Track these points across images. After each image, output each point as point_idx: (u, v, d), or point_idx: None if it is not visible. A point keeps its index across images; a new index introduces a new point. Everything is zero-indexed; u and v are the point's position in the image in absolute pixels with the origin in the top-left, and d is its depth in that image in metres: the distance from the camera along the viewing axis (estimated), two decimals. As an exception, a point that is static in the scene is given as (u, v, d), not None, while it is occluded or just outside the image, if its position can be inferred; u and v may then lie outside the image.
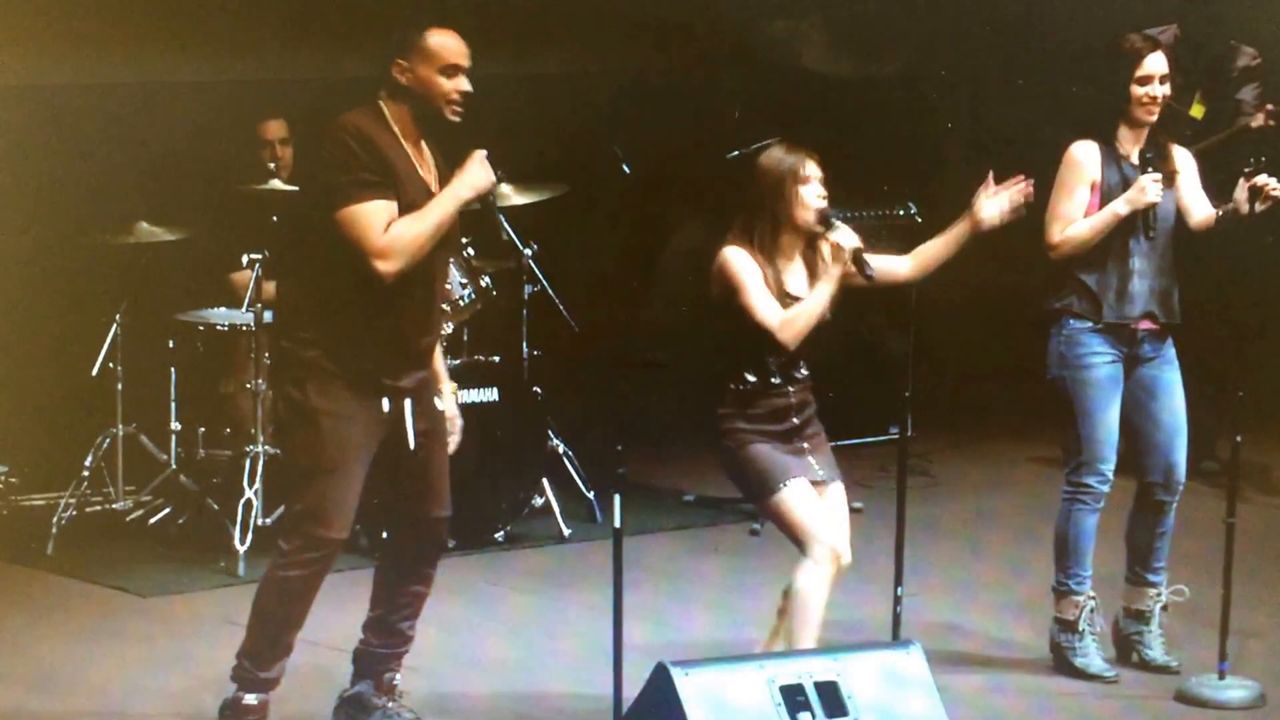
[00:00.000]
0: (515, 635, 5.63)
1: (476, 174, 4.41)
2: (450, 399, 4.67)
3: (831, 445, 4.80)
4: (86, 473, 6.57)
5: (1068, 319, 5.14)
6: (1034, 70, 8.26)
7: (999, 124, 8.39)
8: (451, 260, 6.63)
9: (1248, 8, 7.27)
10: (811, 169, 4.68)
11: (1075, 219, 5.10)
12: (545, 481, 6.62)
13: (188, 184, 6.99)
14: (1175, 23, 6.97)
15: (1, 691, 5.03)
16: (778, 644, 4.85)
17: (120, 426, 6.63)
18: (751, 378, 4.66)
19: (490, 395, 6.49)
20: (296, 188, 6.07)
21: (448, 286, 6.55)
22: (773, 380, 4.67)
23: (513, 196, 6.88)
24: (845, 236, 4.65)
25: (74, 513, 6.47)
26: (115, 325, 6.64)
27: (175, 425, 6.58)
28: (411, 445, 4.46)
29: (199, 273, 6.79)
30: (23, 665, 5.26)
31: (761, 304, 4.62)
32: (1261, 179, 4.95)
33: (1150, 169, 5.05)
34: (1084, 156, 5.11)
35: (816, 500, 4.66)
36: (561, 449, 6.78)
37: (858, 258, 4.62)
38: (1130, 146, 5.12)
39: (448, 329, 6.64)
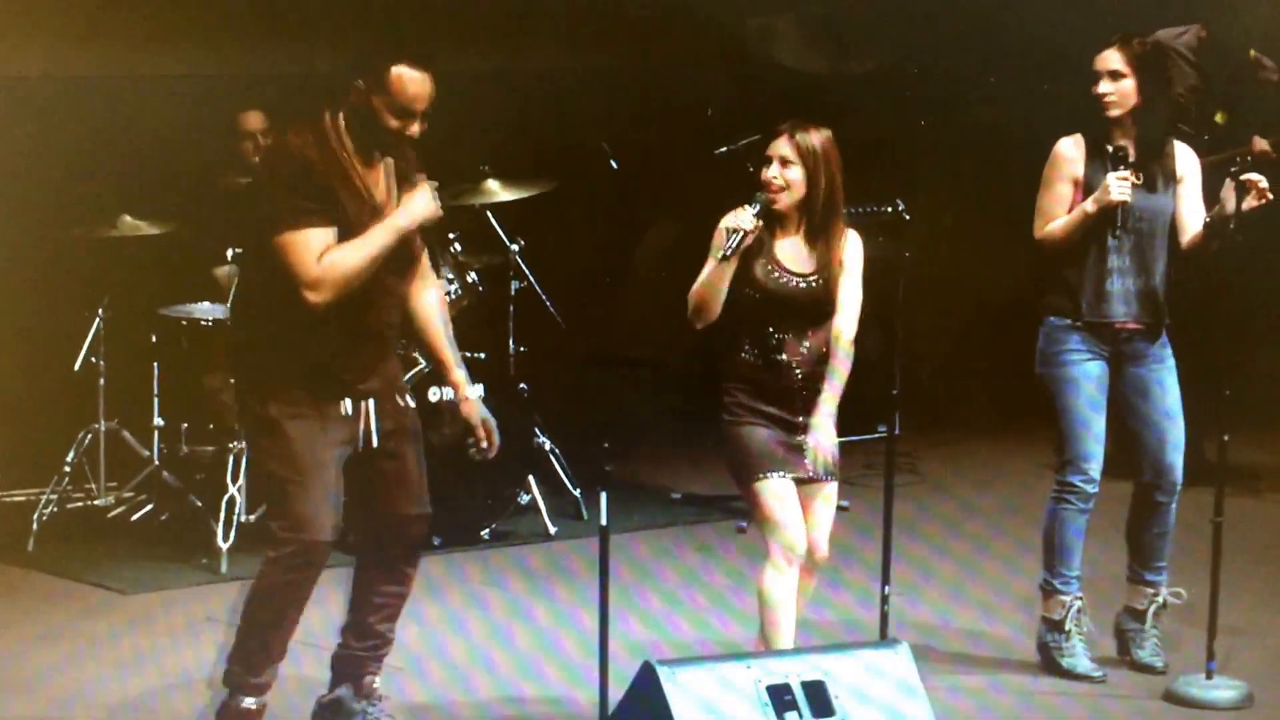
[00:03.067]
0: (501, 634, 5.63)
1: (419, 205, 4.36)
2: (477, 404, 4.60)
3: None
4: (68, 468, 6.56)
5: (1049, 316, 5.16)
6: (1009, 67, 8.29)
7: (974, 121, 8.42)
8: (439, 256, 6.65)
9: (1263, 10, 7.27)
10: (776, 148, 4.61)
11: (1055, 215, 5.11)
12: (531, 479, 6.62)
13: (170, 177, 6.98)
14: (1198, 23, 6.93)
15: (-18, 689, 5.03)
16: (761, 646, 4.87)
17: (102, 422, 6.62)
18: (750, 348, 4.62)
19: (476, 392, 6.47)
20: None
21: (440, 285, 6.57)
22: (771, 353, 4.63)
23: (500, 192, 6.88)
24: (732, 215, 4.55)
25: (55, 509, 6.46)
26: (97, 320, 6.63)
27: (158, 421, 6.58)
28: (374, 444, 4.43)
29: (182, 267, 6.78)
30: (2, 664, 5.25)
31: (703, 269, 4.57)
32: (1249, 175, 4.96)
33: (1122, 166, 5.04)
34: (1067, 153, 5.11)
35: (790, 501, 4.62)
36: (548, 446, 6.79)
37: (730, 238, 4.50)
38: (1129, 143, 5.10)
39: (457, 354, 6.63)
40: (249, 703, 4.49)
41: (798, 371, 4.64)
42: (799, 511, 4.63)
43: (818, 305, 4.63)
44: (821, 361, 4.64)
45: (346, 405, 4.42)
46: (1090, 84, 5.10)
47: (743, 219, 4.54)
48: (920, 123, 8.46)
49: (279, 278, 4.31)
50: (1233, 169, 5.03)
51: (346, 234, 4.31)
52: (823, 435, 4.61)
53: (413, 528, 4.59)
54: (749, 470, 4.62)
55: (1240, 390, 5.16)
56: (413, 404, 4.59)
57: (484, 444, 4.62)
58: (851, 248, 4.70)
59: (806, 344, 4.64)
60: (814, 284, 4.63)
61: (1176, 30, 6.92)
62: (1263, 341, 8.08)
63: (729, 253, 4.52)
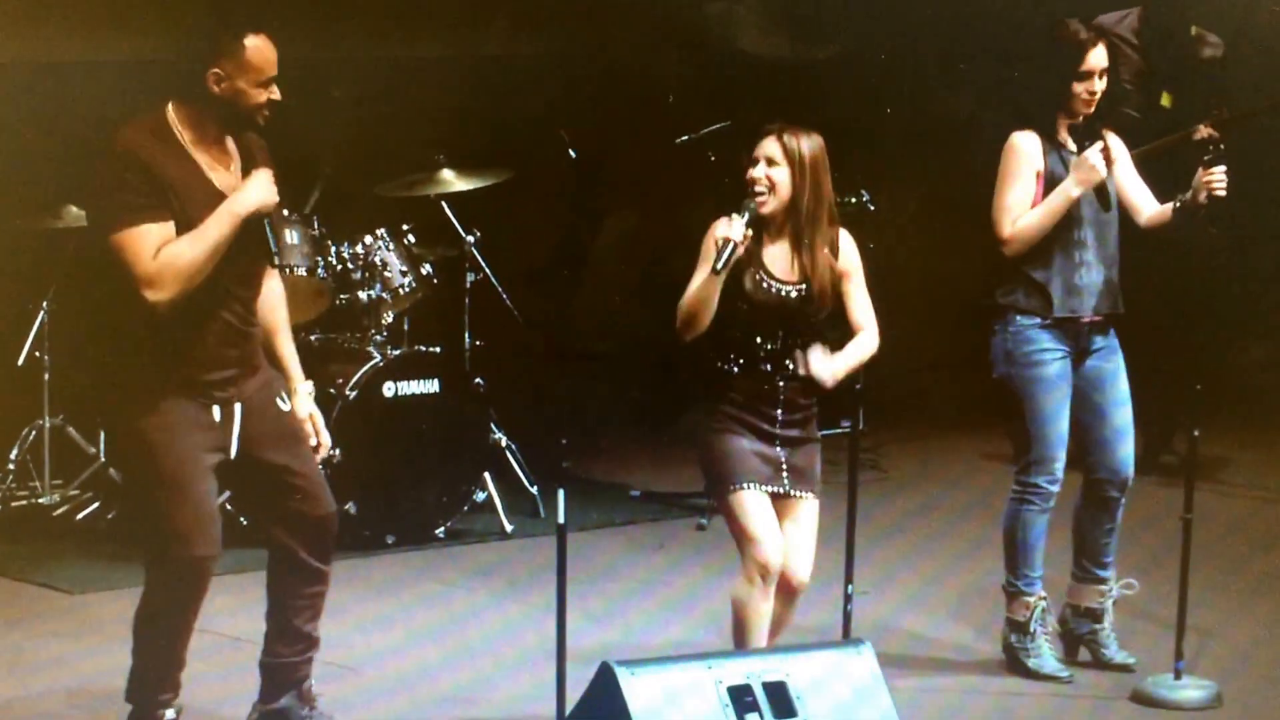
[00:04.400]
0: (456, 634, 5.62)
1: (253, 191, 4.31)
2: (304, 399, 4.54)
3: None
4: (12, 466, 6.53)
5: (1014, 315, 5.13)
6: (974, 55, 8.30)
7: (939, 109, 8.43)
8: (392, 247, 6.62)
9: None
10: (763, 148, 4.60)
11: (1024, 210, 5.09)
12: (487, 476, 6.60)
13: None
14: (1138, 6, 6.96)
15: (-79, 693, 4.99)
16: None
17: (47, 418, 6.58)
18: (736, 358, 4.60)
19: (431, 387, 6.47)
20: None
21: (387, 275, 6.54)
22: (758, 364, 4.61)
23: (455, 182, 6.86)
24: (724, 224, 4.52)
25: (-2, 508, 6.44)
26: (42, 313, 6.58)
27: (104, 417, 6.54)
28: (232, 454, 4.37)
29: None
30: (-56, 666, 5.22)
31: (693, 279, 4.56)
32: (1215, 172, 4.97)
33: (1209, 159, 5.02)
34: (1027, 146, 5.10)
35: (766, 515, 4.60)
36: (504, 442, 6.77)
37: (721, 248, 4.48)
38: (1059, 137, 5.12)
39: (388, 318, 6.63)
40: (167, 715, 4.45)
41: (781, 384, 4.62)
42: (774, 525, 4.61)
43: (805, 313, 4.62)
44: (800, 380, 4.61)
45: (215, 412, 4.36)
46: (1064, 76, 5.05)
47: (735, 230, 4.50)
48: (885, 111, 8.48)
49: (124, 281, 4.25)
50: (1205, 157, 5.04)
51: (189, 227, 4.26)
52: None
53: (322, 527, 4.53)
54: (723, 479, 4.60)
55: (1210, 385, 5.18)
56: (287, 406, 4.49)
57: (313, 440, 4.52)
58: (848, 250, 4.66)
59: (790, 357, 4.63)
60: (801, 292, 4.61)
61: (1118, 15, 6.95)
62: (1233, 337, 8.14)
63: (721, 266, 4.49)
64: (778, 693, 4.32)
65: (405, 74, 7.72)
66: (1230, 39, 7.09)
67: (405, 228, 6.69)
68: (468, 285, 6.87)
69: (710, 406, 4.63)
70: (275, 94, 4.35)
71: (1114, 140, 5.19)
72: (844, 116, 8.31)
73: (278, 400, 4.48)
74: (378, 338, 6.57)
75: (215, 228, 4.26)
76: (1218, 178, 4.98)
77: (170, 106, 4.35)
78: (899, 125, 8.46)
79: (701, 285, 4.53)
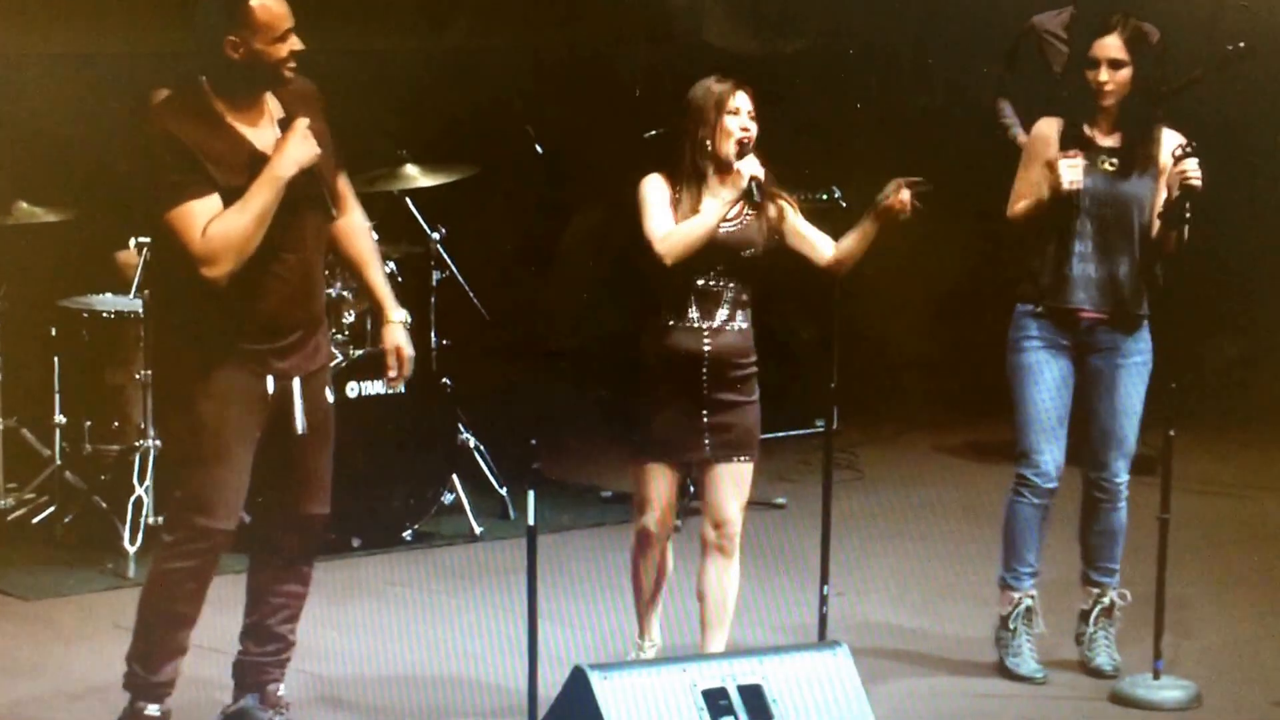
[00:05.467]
0: (425, 639, 5.62)
1: (294, 151, 4.35)
2: (395, 328, 4.59)
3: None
4: (-36, 469, 6.49)
5: (1017, 303, 5.22)
6: (946, 48, 8.35)
7: (911, 104, 8.47)
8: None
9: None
10: (740, 100, 4.79)
11: (1025, 197, 5.15)
12: (455, 477, 6.60)
13: (68, 162, 6.90)
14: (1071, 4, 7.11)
15: (-126, 703, 4.96)
16: (707, 646, 4.90)
17: (0, 420, 6.54)
18: (668, 321, 4.74)
19: (396, 387, 6.46)
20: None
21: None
22: (688, 321, 4.74)
23: (419, 178, 6.86)
24: (748, 164, 4.75)
25: (-49, 512, 6.40)
26: (-7, 312, 6.55)
27: (59, 418, 6.50)
28: (300, 429, 4.41)
29: (82, 256, 6.71)
30: (-103, 675, 5.19)
31: (652, 220, 4.71)
32: (1186, 165, 5.00)
33: (1112, 159, 5.07)
34: (1043, 133, 5.17)
35: (661, 485, 4.79)
36: (472, 443, 6.77)
37: (750, 185, 4.71)
38: (1097, 129, 5.15)
39: (350, 317, 6.62)
40: (152, 710, 4.45)
41: (706, 342, 4.73)
42: (666, 494, 4.81)
43: (740, 250, 4.75)
44: (730, 337, 4.75)
45: (270, 383, 4.39)
46: (1085, 68, 5.09)
47: (758, 168, 4.75)
48: (855, 105, 8.51)
49: (182, 254, 4.30)
50: (1175, 154, 5.08)
51: (237, 194, 4.31)
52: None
53: (315, 526, 4.57)
54: (633, 451, 4.82)
55: (1187, 384, 5.22)
56: (332, 399, 4.57)
57: (392, 371, 4.61)
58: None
59: (724, 305, 4.73)
60: (742, 225, 4.78)
61: (1052, 13, 7.16)
62: (1207, 335, 8.21)
63: (759, 197, 4.72)
64: (753, 695, 4.35)
65: (366, 67, 7.71)
66: (1162, 26, 7.20)
67: (368, 225, 6.68)
68: (433, 283, 6.86)
69: (637, 368, 4.78)
70: (296, 44, 4.38)
71: (1172, 141, 5.10)
72: (813, 111, 8.36)
73: (325, 390, 4.51)
74: (340, 337, 6.55)
75: (259, 195, 4.31)
76: (1191, 168, 5.02)
77: (204, 79, 4.39)
78: (869, 120, 8.50)
79: (710, 216, 4.71)
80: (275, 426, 4.44)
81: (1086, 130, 5.14)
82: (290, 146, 4.35)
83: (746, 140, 4.75)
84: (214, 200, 4.29)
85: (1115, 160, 5.13)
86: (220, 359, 4.36)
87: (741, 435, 4.79)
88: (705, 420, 4.75)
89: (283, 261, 4.39)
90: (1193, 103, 6.65)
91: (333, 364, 6.32)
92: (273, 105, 4.44)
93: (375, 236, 6.65)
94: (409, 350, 4.61)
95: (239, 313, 4.36)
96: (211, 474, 4.36)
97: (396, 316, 4.60)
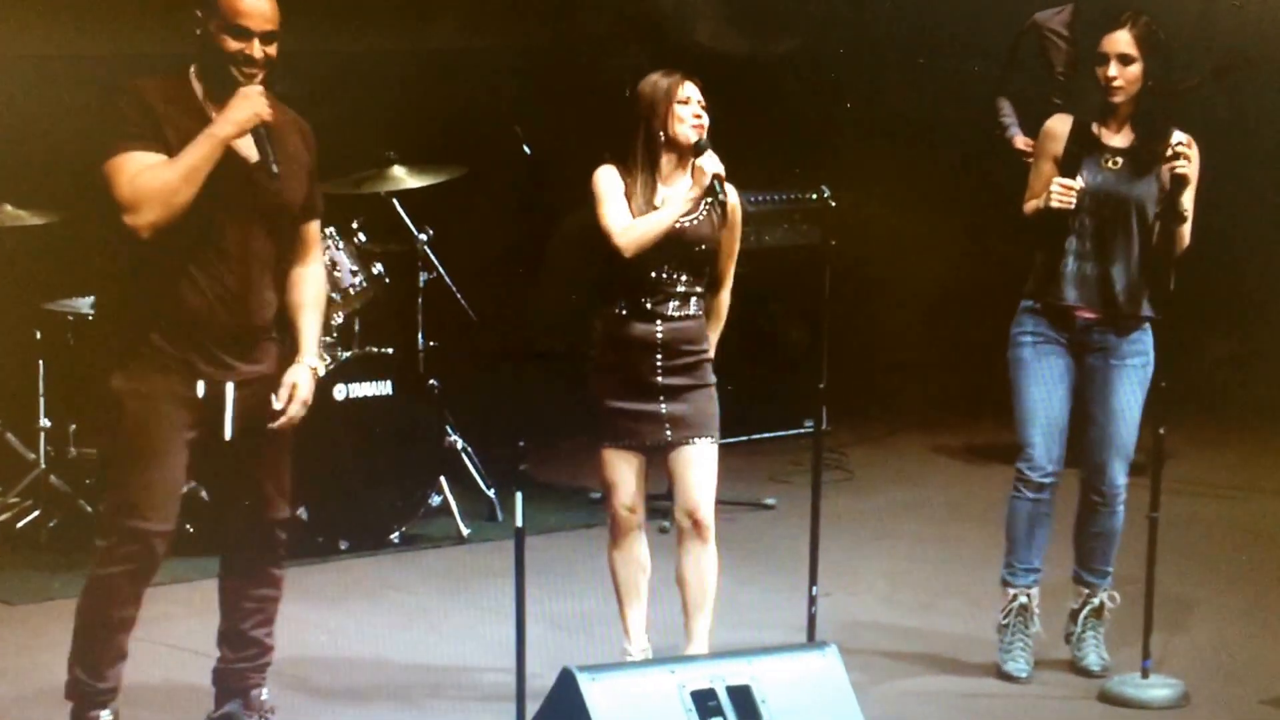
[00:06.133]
0: (412, 641, 5.64)
1: (240, 109, 4.30)
2: (298, 368, 4.46)
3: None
4: (-51, 474, 6.50)
5: (1022, 298, 5.24)
6: (937, 47, 8.37)
7: (901, 103, 8.50)
8: (342, 245, 6.64)
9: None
10: (689, 90, 4.88)
11: (1037, 193, 5.17)
12: (443, 479, 6.62)
13: (54, 164, 6.90)
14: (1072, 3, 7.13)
15: None
16: (690, 646, 4.93)
17: (-15, 424, 6.56)
18: (622, 309, 4.83)
19: (384, 389, 6.49)
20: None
21: (337, 274, 6.55)
22: (642, 309, 4.81)
23: (407, 179, 6.88)
24: (710, 160, 4.81)
25: (-64, 517, 6.41)
26: (-23, 316, 6.56)
27: (44, 422, 6.51)
28: (227, 435, 4.38)
29: (67, 258, 6.72)
30: (-118, 680, 5.20)
31: (609, 213, 4.81)
32: (1174, 163, 5.03)
33: (1117, 159, 5.08)
34: (1053, 129, 5.19)
35: (624, 469, 4.88)
36: (460, 445, 6.79)
37: (713, 183, 4.77)
38: (1107, 127, 5.15)
39: (338, 319, 6.64)
40: (104, 715, 4.46)
41: (659, 328, 4.81)
42: (631, 479, 4.89)
43: (691, 245, 4.83)
44: (684, 321, 4.83)
45: (200, 387, 4.37)
46: (1095, 64, 5.10)
47: (719, 165, 4.80)
48: (845, 105, 8.54)
49: (115, 237, 4.27)
50: (1167, 153, 5.11)
51: None
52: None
53: (272, 531, 4.56)
54: (596, 437, 4.92)
55: (1174, 383, 5.24)
56: (279, 408, 4.47)
57: (278, 404, 4.44)
58: (730, 191, 4.89)
59: (675, 298, 4.81)
60: (694, 221, 4.84)
61: (1052, 10, 7.17)
62: (1196, 335, 8.23)
63: (723, 196, 4.78)
64: (742, 696, 4.36)
65: (354, 68, 7.73)
66: (1167, 28, 7.21)
67: (355, 226, 6.70)
68: (420, 284, 6.88)
69: (595, 357, 4.89)
70: (256, 51, 4.33)
71: (1182, 140, 5.08)
72: (803, 111, 8.38)
73: (273, 398, 4.46)
74: (327, 339, 6.58)
75: (193, 151, 4.27)
76: (1179, 161, 5.02)
77: (193, 66, 4.38)
78: (859, 120, 8.53)
79: (671, 212, 4.78)
80: (213, 431, 4.40)
81: (1095, 128, 5.15)
82: (233, 106, 4.30)
83: (700, 127, 4.82)
84: (158, 157, 4.25)
85: (1120, 159, 5.13)
86: (145, 359, 4.33)
87: (699, 417, 4.87)
88: (663, 407, 4.84)
89: (220, 263, 4.34)
90: (1186, 101, 6.71)
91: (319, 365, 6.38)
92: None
93: (363, 237, 6.75)
94: (305, 394, 4.46)
95: (164, 310, 4.32)
96: (140, 475, 4.33)
97: (309, 361, 4.51)
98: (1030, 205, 5.19)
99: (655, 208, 4.83)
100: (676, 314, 4.83)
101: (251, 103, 4.31)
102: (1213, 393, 8.19)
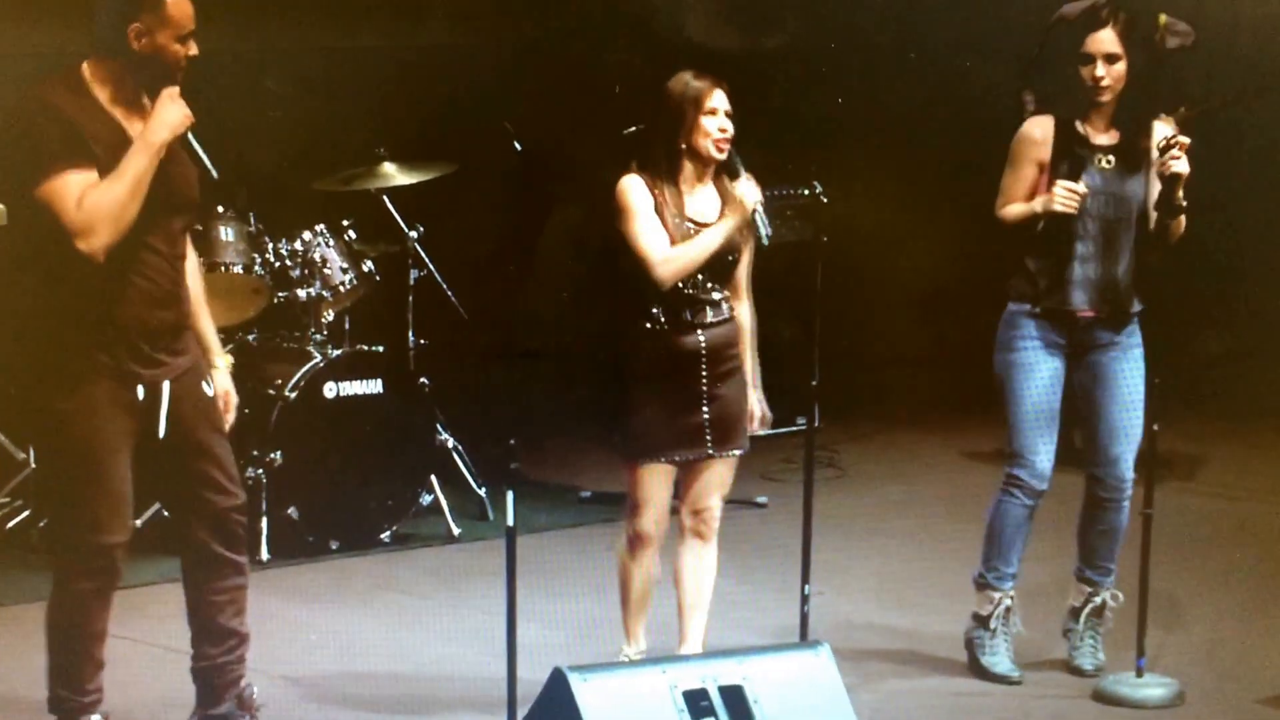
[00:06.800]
0: (403, 641, 5.65)
1: (168, 113, 4.31)
2: (221, 374, 4.57)
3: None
4: (-63, 474, 6.50)
5: (1010, 301, 5.22)
6: (929, 43, 8.38)
7: (893, 99, 8.51)
8: (332, 243, 6.64)
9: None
10: (718, 99, 4.79)
11: (1015, 197, 5.14)
12: (434, 478, 6.63)
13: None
14: None
15: None
16: (685, 645, 4.94)
17: (-27, 424, 6.57)
18: (661, 323, 4.77)
19: (374, 387, 6.50)
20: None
21: (327, 272, 6.56)
22: (682, 320, 4.76)
23: (397, 176, 6.88)
24: (751, 189, 4.76)
25: (-76, 517, 6.42)
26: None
27: (34, 422, 6.52)
28: (160, 434, 4.38)
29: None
30: None
31: (646, 236, 4.73)
32: (1172, 153, 5.03)
33: (1109, 157, 5.09)
34: (1034, 134, 5.15)
35: (661, 488, 4.82)
36: (451, 444, 6.80)
37: (756, 215, 4.73)
38: (1093, 126, 5.15)
39: (328, 317, 6.65)
40: (95, 718, 4.47)
41: (701, 337, 4.77)
42: (664, 497, 4.84)
43: (728, 253, 4.80)
44: (722, 327, 4.81)
45: (140, 392, 4.37)
46: (1079, 64, 5.07)
47: (759, 192, 4.76)
48: (837, 100, 8.55)
49: (45, 251, 4.26)
50: (1160, 145, 5.11)
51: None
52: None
53: (229, 518, 4.55)
54: (637, 454, 4.80)
55: (1168, 379, 5.26)
56: (211, 391, 4.52)
57: (230, 415, 4.56)
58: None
59: (711, 306, 4.78)
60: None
61: (1080, 5, 7.09)
62: (1191, 331, 8.26)
63: (769, 232, 4.74)
64: (734, 696, 4.37)
65: (343, 64, 7.73)
66: (1210, 29, 7.18)
67: (345, 223, 6.71)
68: (411, 282, 6.88)
69: (631, 370, 4.79)
70: (193, 49, 4.36)
71: (1165, 133, 5.10)
72: (795, 106, 8.39)
73: (203, 384, 4.50)
74: (318, 337, 6.58)
75: (133, 162, 4.27)
76: (1174, 155, 5.02)
77: (86, 65, 4.36)
78: (851, 115, 8.54)
79: (713, 241, 4.73)
80: (153, 432, 4.41)
81: (1080, 128, 5.15)
82: (162, 110, 4.31)
83: (724, 143, 4.77)
84: (91, 175, 4.24)
85: (1112, 157, 5.14)
86: (87, 373, 4.32)
87: (738, 426, 4.87)
88: (706, 415, 4.80)
89: (152, 265, 4.36)
90: (1179, 99, 6.72)
91: (310, 364, 6.39)
92: (149, 106, 4.38)
93: (353, 235, 6.75)
94: (234, 396, 4.59)
95: (103, 320, 4.32)
96: (96, 492, 4.34)
97: (221, 362, 4.58)
98: (1013, 211, 5.13)
99: (688, 219, 4.77)
100: (715, 320, 4.81)
101: (179, 105, 4.34)
102: (1204, 389, 8.20)
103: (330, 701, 5.10)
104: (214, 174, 4.43)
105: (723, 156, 4.78)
